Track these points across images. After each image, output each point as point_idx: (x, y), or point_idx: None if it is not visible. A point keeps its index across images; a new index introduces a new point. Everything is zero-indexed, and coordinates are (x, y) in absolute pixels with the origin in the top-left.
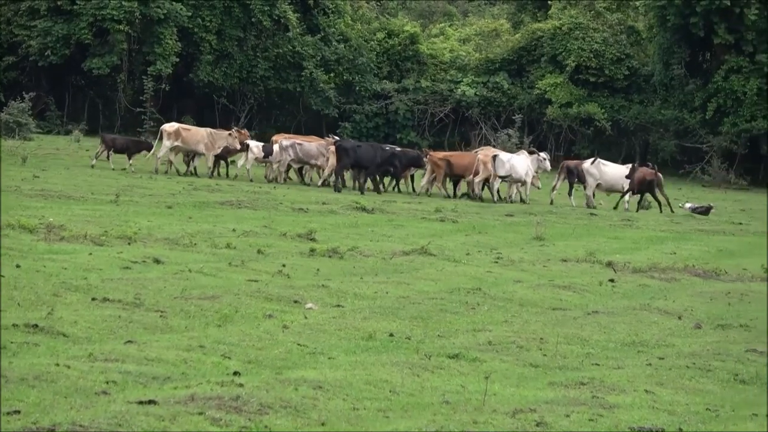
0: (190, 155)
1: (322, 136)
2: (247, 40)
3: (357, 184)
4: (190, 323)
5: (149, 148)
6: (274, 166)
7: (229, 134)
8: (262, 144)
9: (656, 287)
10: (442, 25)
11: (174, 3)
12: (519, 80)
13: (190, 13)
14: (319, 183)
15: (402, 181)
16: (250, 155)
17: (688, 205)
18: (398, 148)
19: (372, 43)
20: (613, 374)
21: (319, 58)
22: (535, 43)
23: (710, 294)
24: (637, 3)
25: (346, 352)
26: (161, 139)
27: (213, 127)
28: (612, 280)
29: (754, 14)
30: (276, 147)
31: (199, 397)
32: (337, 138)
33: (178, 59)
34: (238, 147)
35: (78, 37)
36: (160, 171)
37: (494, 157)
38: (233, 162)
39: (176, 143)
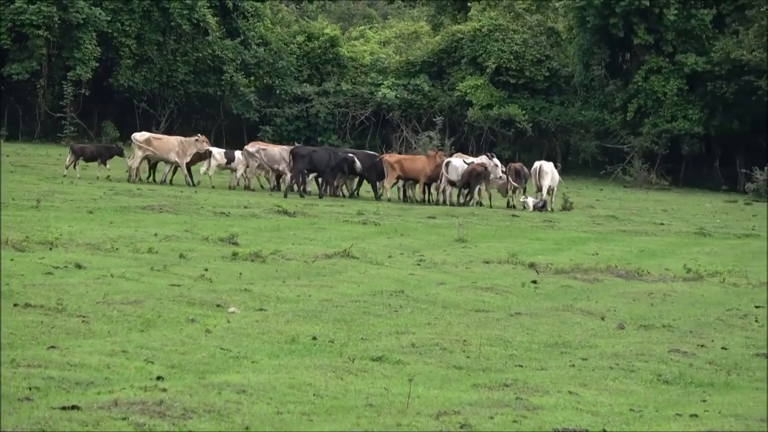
0: (151, 163)
1: (242, 141)
2: (167, 44)
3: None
4: (113, 328)
5: (121, 153)
6: (239, 173)
7: (196, 140)
8: (224, 150)
9: (579, 288)
10: (362, 27)
11: (93, 8)
12: (439, 82)
13: (109, 18)
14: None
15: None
16: (212, 162)
17: (529, 200)
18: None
19: (292, 46)
20: (536, 375)
21: (239, 61)
22: (455, 45)
23: (633, 294)
24: (557, 4)
25: (269, 355)
26: (132, 148)
27: (134, 131)
28: (534, 282)
29: (674, 14)
30: (238, 153)
31: (122, 402)
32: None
33: (97, 64)
34: (206, 150)
35: None
36: (134, 180)
37: (447, 162)
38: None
39: (148, 152)
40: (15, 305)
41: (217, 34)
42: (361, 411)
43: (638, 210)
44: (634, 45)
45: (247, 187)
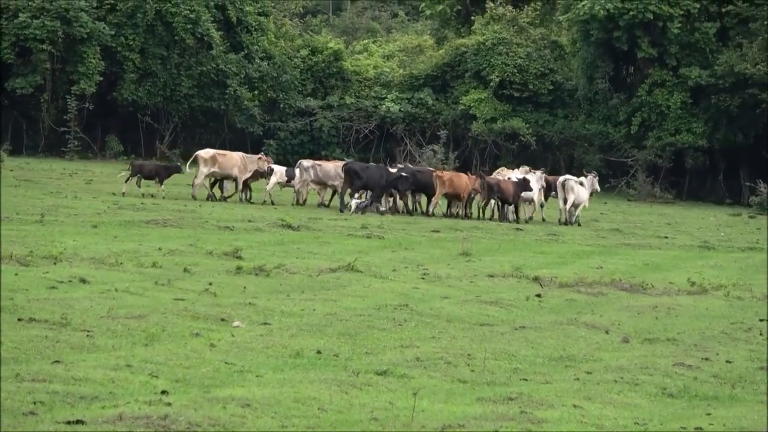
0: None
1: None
2: (171, 58)
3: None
4: (117, 342)
5: (179, 171)
6: (297, 186)
7: (259, 158)
8: (286, 168)
9: (583, 302)
10: (366, 41)
11: (97, 22)
12: (443, 96)
13: (113, 32)
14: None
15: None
16: (273, 179)
17: (354, 202)
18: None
19: (296, 60)
20: (541, 389)
21: (242, 75)
22: (459, 59)
23: (637, 308)
24: (561, 18)
25: (274, 369)
26: (197, 165)
27: (137, 145)
28: (539, 295)
29: (677, 28)
30: (296, 169)
31: (127, 416)
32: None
33: (101, 78)
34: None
35: (0, 57)
36: (198, 197)
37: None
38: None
39: (213, 169)
40: (19, 320)
41: (221, 48)
42: (365, 425)
43: (642, 223)
44: (638, 58)
45: (298, 203)
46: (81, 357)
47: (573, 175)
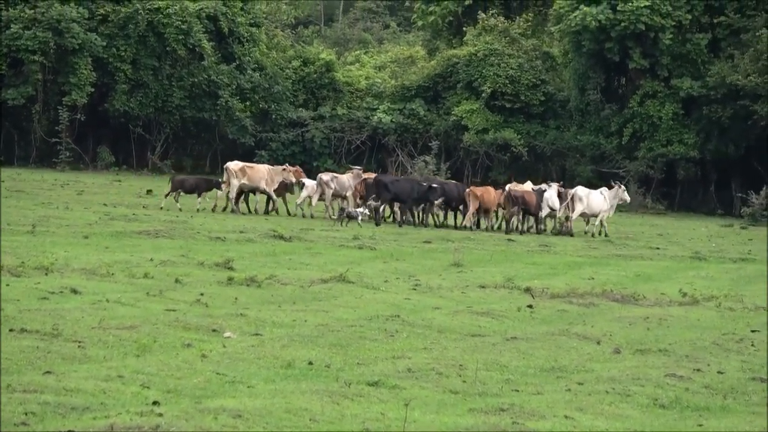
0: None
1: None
2: (163, 69)
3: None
4: (109, 353)
5: (219, 186)
6: (314, 201)
7: (283, 169)
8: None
9: (575, 312)
10: (358, 52)
11: (89, 33)
12: (435, 107)
13: (104, 43)
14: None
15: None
16: (304, 193)
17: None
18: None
19: (287, 71)
20: (532, 400)
21: (234, 86)
22: (450, 70)
23: (629, 319)
24: (552, 29)
25: (266, 380)
26: (227, 178)
27: (129, 156)
28: (530, 306)
29: (669, 39)
30: (309, 181)
31: (118, 427)
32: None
33: (93, 89)
34: (294, 181)
35: None
36: (228, 210)
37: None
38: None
39: (243, 181)
40: (11, 330)
41: (213, 59)
42: None
43: (634, 234)
44: (630, 69)
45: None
46: (72, 368)
47: (580, 186)
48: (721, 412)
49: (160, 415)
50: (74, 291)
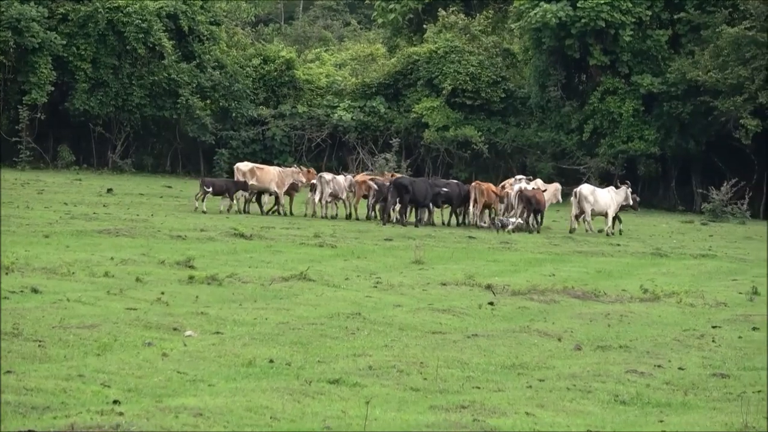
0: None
1: (198, 164)
2: (123, 68)
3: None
4: (69, 352)
5: (246, 187)
6: (315, 199)
7: (293, 171)
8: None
9: (536, 309)
10: (318, 50)
11: (48, 32)
12: (396, 104)
13: (64, 42)
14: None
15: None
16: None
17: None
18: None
19: (248, 69)
20: (493, 397)
21: (194, 85)
22: (411, 67)
23: (589, 315)
24: (513, 26)
25: (226, 379)
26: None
27: (89, 155)
28: (491, 303)
29: (629, 35)
30: (315, 181)
31: (78, 426)
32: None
33: (53, 88)
34: (304, 181)
35: None
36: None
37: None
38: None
39: (252, 182)
40: None
41: (173, 57)
42: None
43: (595, 231)
44: (590, 66)
45: (316, 215)
46: (33, 367)
47: (585, 184)
48: (682, 408)
49: (121, 414)
50: (35, 290)
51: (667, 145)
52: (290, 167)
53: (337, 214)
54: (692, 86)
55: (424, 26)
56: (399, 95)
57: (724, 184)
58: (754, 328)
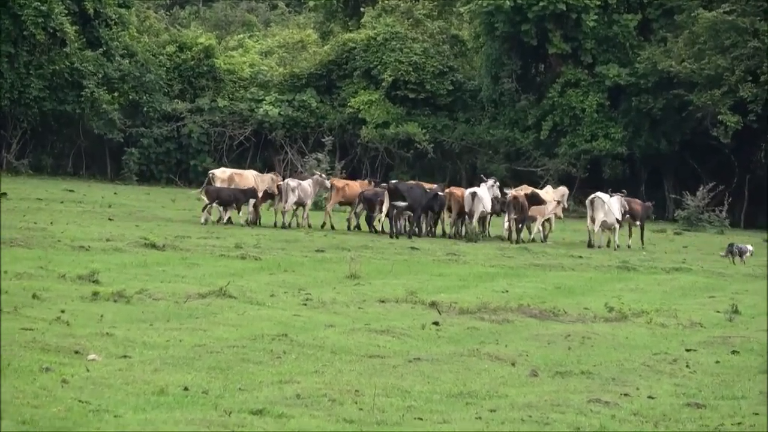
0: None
1: (105, 165)
2: (19, 56)
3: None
4: None
5: (255, 195)
6: (281, 206)
7: (272, 178)
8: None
9: (486, 330)
10: (241, 36)
11: None
12: (329, 98)
13: None
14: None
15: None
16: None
17: (748, 247)
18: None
19: (161, 57)
20: (438, 429)
21: (101, 75)
22: (346, 56)
23: (547, 337)
24: (462, 9)
25: (135, 409)
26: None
27: None
28: (436, 323)
29: (593, 20)
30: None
31: None
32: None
33: None
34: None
35: None
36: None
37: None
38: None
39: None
40: None
41: (77, 44)
42: None
43: (554, 241)
44: (549, 55)
45: (286, 225)
46: None
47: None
48: None
49: None
50: None
51: (636, 145)
52: (269, 173)
53: (303, 225)
54: (664, 78)
55: (361, 9)
56: (333, 88)
57: (700, 189)
58: (733, 352)
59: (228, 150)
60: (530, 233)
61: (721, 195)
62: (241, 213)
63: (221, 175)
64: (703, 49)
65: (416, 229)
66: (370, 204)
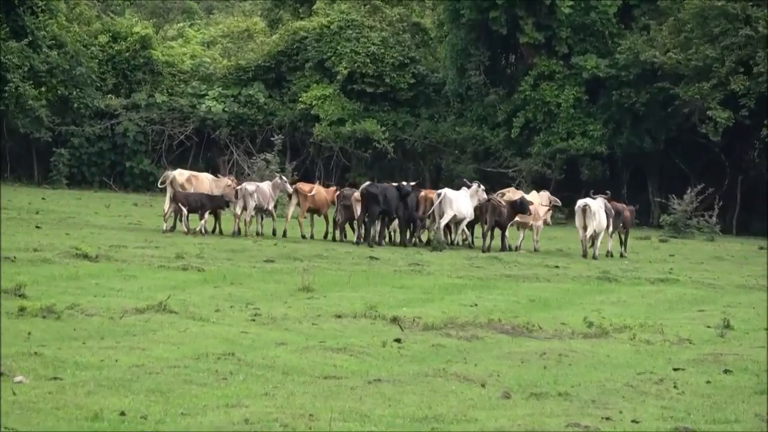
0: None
1: (32, 166)
2: None
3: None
4: None
5: (227, 204)
6: (238, 212)
7: (228, 185)
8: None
9: (453, 348)
10: (181, 25)
11: None
12: (278, 92)
13: None
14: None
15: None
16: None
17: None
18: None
19: (93, 48)
20: None
21: (26, 68)
22: (297, 46)
23: (521, 355)
24: None
25: None
26: (173, 189)
27: None
28: (398, 340)
29: (569, 6)
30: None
31: None
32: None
33: None
34: (234, 200)
35: None
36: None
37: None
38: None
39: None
40: None
41: None
42: None
43: (527, 249)
44: (521, 44)
45: (236, 233)
46: None
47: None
48: None
49: None
50: None
51: (617, 143)
52: (225, 177)
53: (262, 232)
54: (647, 70)
55: None
56: (282, 81)
57: (688, 192)
58: (725, 371)
59: (167, 150)
60: (534, 242)
61: (710, 198)
62: (203, 221)
63: (180, 177)
64: (690, 38)
65: (415, 234)
66: (350, 210)
